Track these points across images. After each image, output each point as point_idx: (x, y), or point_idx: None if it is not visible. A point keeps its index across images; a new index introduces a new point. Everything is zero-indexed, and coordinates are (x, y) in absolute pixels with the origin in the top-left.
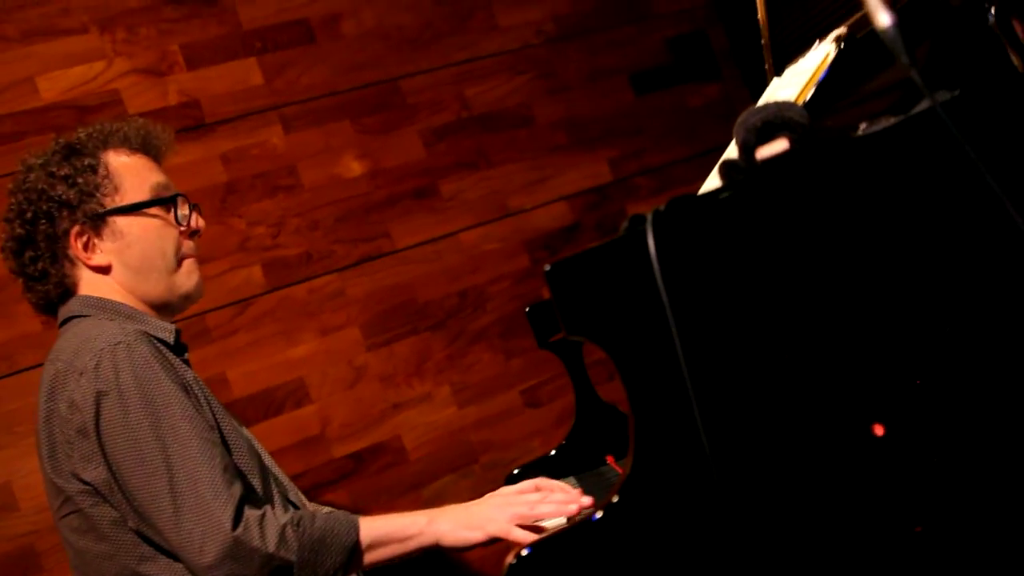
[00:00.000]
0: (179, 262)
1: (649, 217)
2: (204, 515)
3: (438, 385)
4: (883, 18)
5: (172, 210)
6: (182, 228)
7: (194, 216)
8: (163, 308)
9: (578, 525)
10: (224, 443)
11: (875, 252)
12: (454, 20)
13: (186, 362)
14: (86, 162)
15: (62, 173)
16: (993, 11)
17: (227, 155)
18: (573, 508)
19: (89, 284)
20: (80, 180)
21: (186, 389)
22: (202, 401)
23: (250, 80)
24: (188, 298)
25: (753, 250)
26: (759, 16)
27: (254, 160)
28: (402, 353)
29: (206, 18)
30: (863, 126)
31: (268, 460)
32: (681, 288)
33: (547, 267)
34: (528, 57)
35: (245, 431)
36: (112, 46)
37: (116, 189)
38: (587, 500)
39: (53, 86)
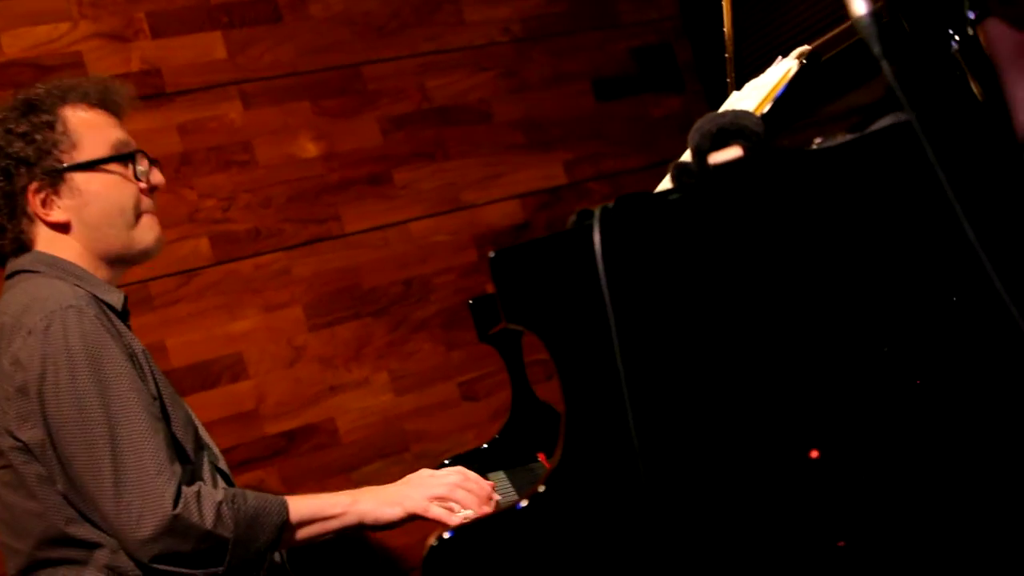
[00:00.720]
0: (138, 218)
1: (597, 212)
2: (146, 490)
3: (376, 371)
4: (858, 6)
5: (131, 166)
6: (141, 184)
7: (154, 172)
8: (120, 263)
9: (502, 512)
10: (164, 414)
11: (818, 266)
12: (422, 11)
13: (130, 329)
14: (44, 118)
15: (20, 130)
16: (957, 38)
17: (184, 126)
18: (488, 510)
19: (46, 241)
20: (38, 137)
21: (132, 359)
22: (146, 371)
23: (213, 53)
24: (146, 253)
25: (698, 254)
26: (725, 29)
27: (211, 133)
28: (343, 336)
29: None
30: (817, 140)
31: (202, 431)
32: (623, 285)
33: (492, 254)
34: (493, 54)
35: (182, 401)
36: (78, 8)
37: (74, 145)
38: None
39: (15, 43)
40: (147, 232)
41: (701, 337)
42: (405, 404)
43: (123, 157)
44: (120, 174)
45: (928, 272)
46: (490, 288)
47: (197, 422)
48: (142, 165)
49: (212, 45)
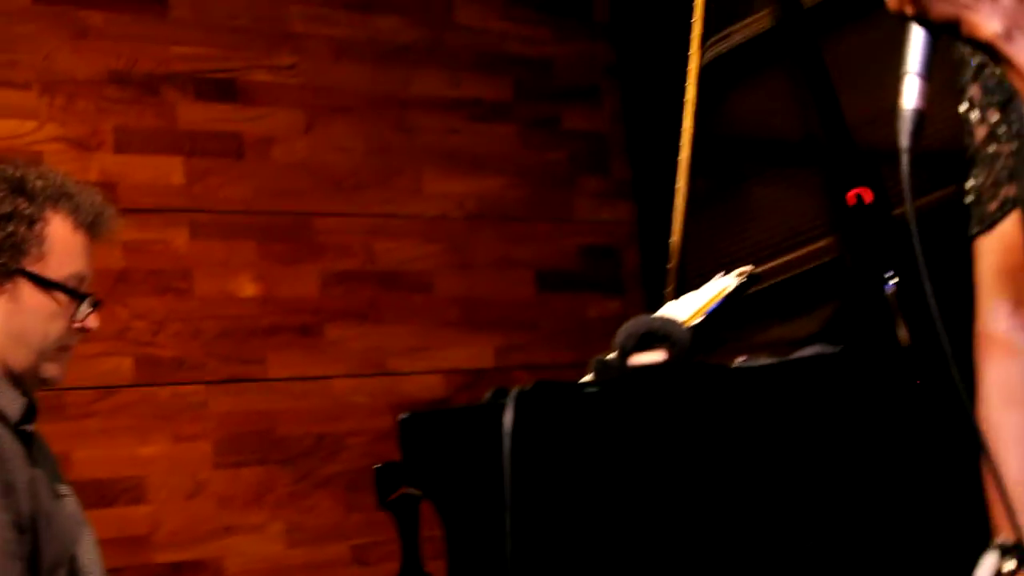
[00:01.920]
0: (55, 351)
1: (513, 392)
2: None
3: (274, 519)
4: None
5: (76, 304)
6: (75, 324)
7: (91, 317)
8: (16, 380)
9: None
10: (36, 548)
11: (718, 480)
12: (382, 173)
13: (25, 435)
14: (28, 211)
15: (1, 211)
16: (892, 282)
17: (129, 244)
18: None
19: None
20: (13, 227)
21: (8, 488)
22: (22, 501)
23: (171, 178)
24: (44, 383)
25: (606, 449)
26: (672, 240)
27: (154, 256)
28: (247, 479)
29: (145, 106)
30: (740, 359)
31: (90, 557)
32: (527, 469)
33: (403, 415)
34: (443, 227)
35: (79, 516)
36: (48, 109)
37: (42, 256)
38: None
39: None
40: (55, 366)
41: (596, 530)
42: (296, 557)
43: (75, 294)
44: (62, 305)
45: (832, 504)
46: (400, 457)
47: (92, 550)
48: (86, 308)
49: (171, 170)
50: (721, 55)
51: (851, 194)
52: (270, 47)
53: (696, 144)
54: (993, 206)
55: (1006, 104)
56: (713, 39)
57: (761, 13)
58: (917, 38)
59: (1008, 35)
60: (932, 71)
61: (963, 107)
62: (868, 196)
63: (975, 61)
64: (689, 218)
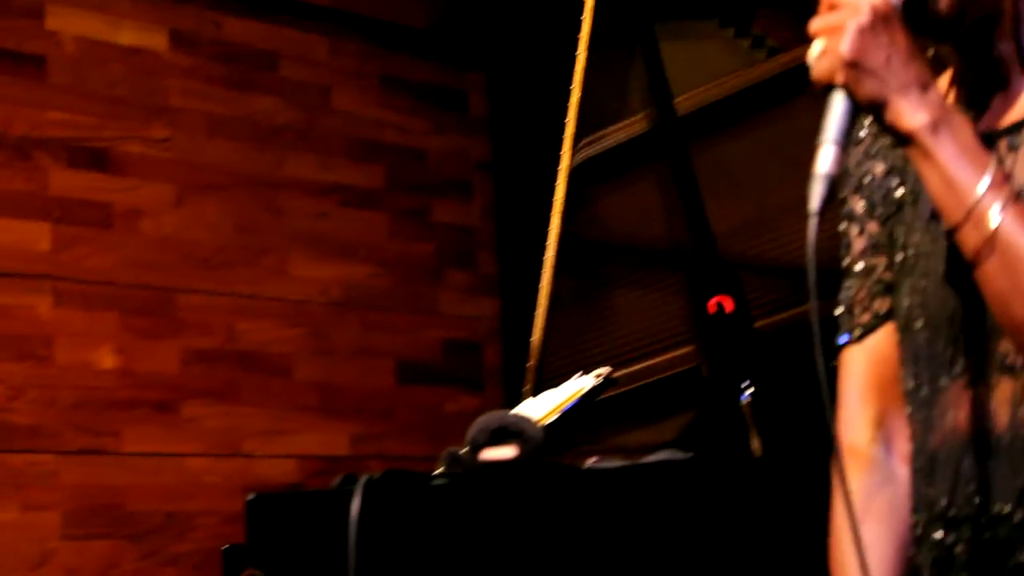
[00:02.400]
0: None
1: (361, 480)
2: None
3: None
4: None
5: None
6: None
7: None
8: None
9: None
10: None
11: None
12: (249, 253)
13: None
14: None
15: None
16: (748, 393)
17: None
18: None
19: None
20: None
21: None
22: None
23: (37, 244)
24: None
25: (451, 541)
26: (534, 338)
27: (14, 321)
28: (94, 552)
29: (16, 170)
30: (592, 460)
31: None
32: (373, 555)
33: (250, 496)
34: (307, 312)
35: None
36: None
37: None
38: None
39: None
40: None
41: None
42: None
43: None
44: None
45: None
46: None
47: None
48: None
49: (38, 235)
50: (593, 156)
51: (712, 302)
52: (146, 119)
53: (563, 243)
54: (865, 318)
55: (889, 218)
56: (586, 140)
57: (635, 117)
58: (838, 106)
59: (934, 128)
60: (848, 140)
61: (843, 221)
62: (729, 305)
63: (860, 172)
64: (552, 317)
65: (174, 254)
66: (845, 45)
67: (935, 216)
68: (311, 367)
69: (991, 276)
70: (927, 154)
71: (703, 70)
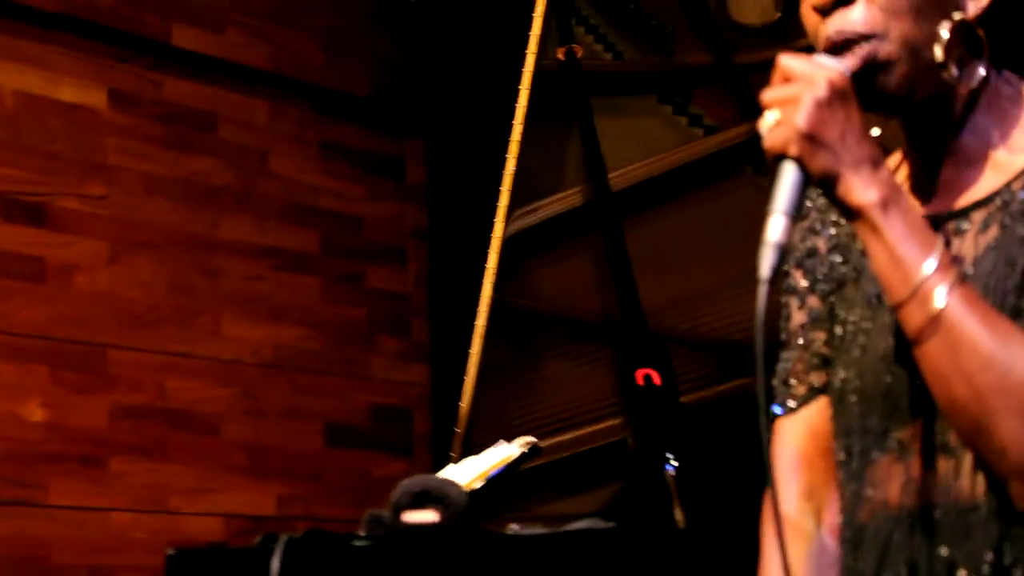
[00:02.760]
0: None
1: (282, 539)
2: None
3: None
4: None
5: None
6: None
7: None
8: None
9: None
10: None
11: None
12: (182, 312)
13: None
14: None
15: None
16: (673, 465)
17: None
18: None
19: None
20: None
21: None
22: None
23: None
24: None
25: None
26: (462, 405)
27: None
28: None
29: None
30: (513, 526)
31: None
32: None
33: (170, 551)
34: (237, 372)
35: None
36: None
37: None
38: None
39: None
40: None
41: None
42: None
43: None
44: None
45: None
46: None
47: None
48: None
49: None
50: (528, 227)
51: (640, 375)
52: (83, 176)
53: (496, 313)
54: (801, 390)
55: (831, 293)
56: (521, 210)
57: (571, 190)
58: (790, 177)
59: (884, 205)
60: (798, 212)
61: (784, 294)
62: (657, 379)
63: (804, 247)
64: (481, 385)
65: (106, 310)
66: (801, 117)
67: (877, 294)
68: (240, 427)
69: (933, 355)
70: (876, 230)
71: (641, 145)
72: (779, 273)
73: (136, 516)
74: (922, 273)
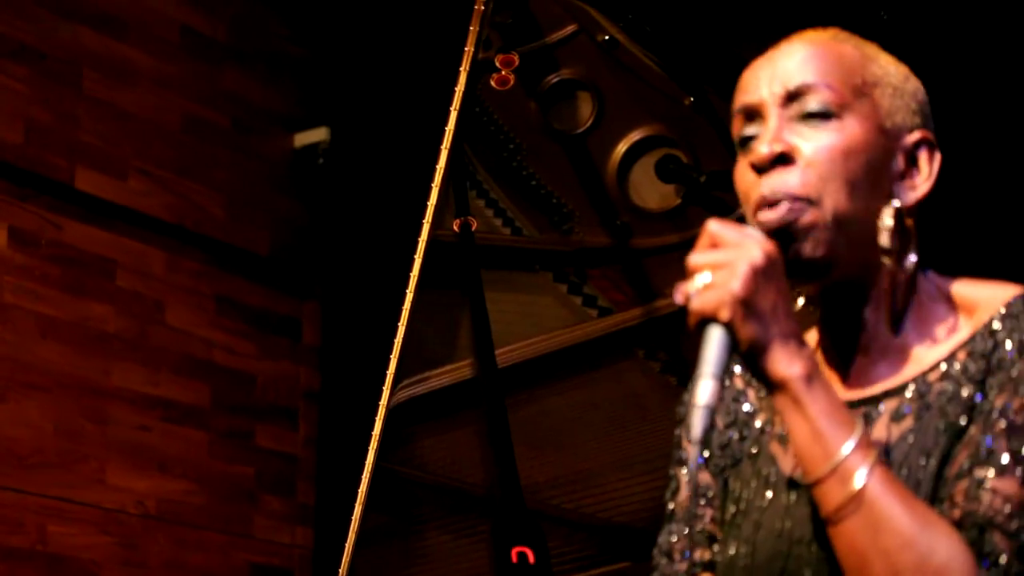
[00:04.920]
0: None
1: None
2: None
3: None
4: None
5: None
6: None
7: None
8: None
9: None
10: None
11: None
12: (67, 457)
13: None
14: None
15: None
16: None
17: None
18: None
19: None
20: None
21: None
22: None
23: None
24: None
25: None
26: (341, 571)
27: None
28: None
29: None
30: None
31: None
32: None
33: None
34: (120, 521)
35: None
36: None
37: None
38: None
39: None
40: None
41: None
42: None
43: None
44: None
45: None
46: None
47: None
48: None
49: None
50: (417, 396)
51: (515, 552)
52: None
53: (381, 480)
54: (683, 566)
55: (725, 469)
56: (412, 379)
57: (462, 362)
58: (718, 341)
59: (808, 380)
60: (724, 376)
61: (673, 465)
62: (531, 557)
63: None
64: (362, 552)
65: None
66: (737, 283)
67: (774, 473)
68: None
69: (851, 533)
70: (798, 404)
71: (534, 322)
72: (707, 435)
73: None
74: (843, 451)
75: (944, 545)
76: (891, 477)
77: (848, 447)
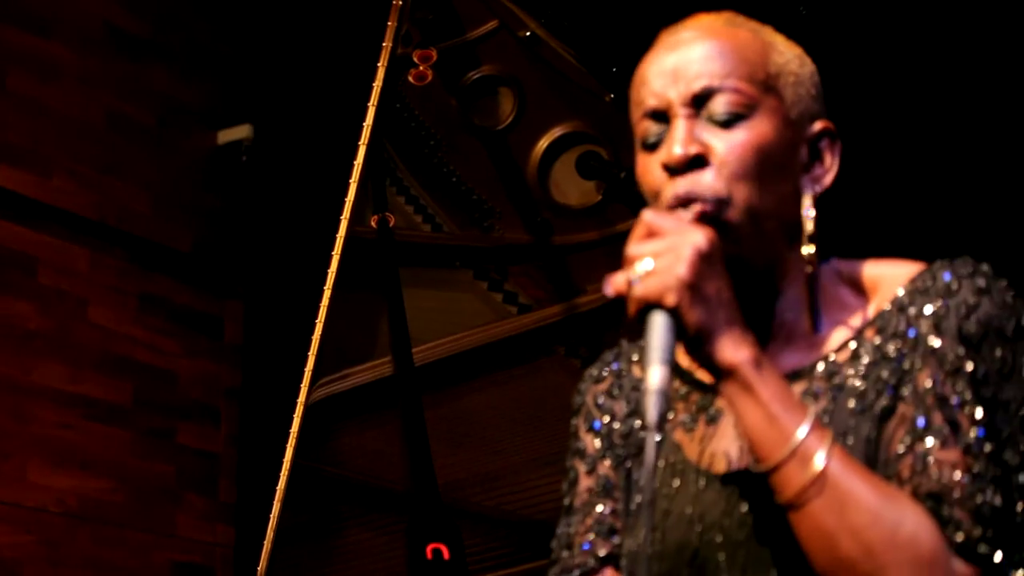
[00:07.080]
0: None
1: None
2: None
3: None
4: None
5: None
6: None
7: None
8: None
9: None
10: None
11: None
12: None
13: None
14: None
15: None
16: None
17: None
18: None
19: None
20: None
21: None
22: None
23: None
24: None
25: None
26: (259, 569)
27: None
28: None
29: None
30: None
31: None
32: None
33: None
34: (40, 520)
35: None
36: None
37: None
38: None
39: None
40: None
41: None
42: None
43: None
44: None
45: None
46: None
47: None
48: None
49: None
50: (337, 393)
51: (429, 548)
52: None
53: (301, 478)
54: (579, 560)
55: (628, 458)
56: (331, 377)
57: (382, 360)
58: (664, 326)
59: (757, 365)
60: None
61: (572, 457)
62: (446, 554)
63: (598, 413)
64: (282, 550)
65: None
66: (683, 267)
67: (680, 460)
68: None
69: (817, 514)
70: (749, 390)
71: (454, 320)
72: (663, 419)
73: None
74: (799, 434)
75: (910, 516)
76: (847, 455)
77: (803, 430)
